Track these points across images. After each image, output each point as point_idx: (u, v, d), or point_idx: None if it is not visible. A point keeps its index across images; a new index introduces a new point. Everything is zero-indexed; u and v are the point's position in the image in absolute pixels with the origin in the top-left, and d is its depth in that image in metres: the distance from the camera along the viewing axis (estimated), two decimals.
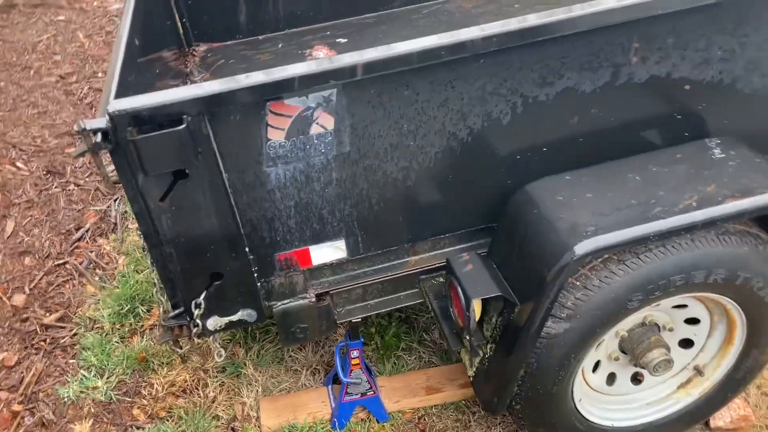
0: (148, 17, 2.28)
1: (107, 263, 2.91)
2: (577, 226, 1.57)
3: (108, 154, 1.47)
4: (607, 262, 1.63)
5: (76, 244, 3.02)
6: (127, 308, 2.61)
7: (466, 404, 2.27)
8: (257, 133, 1.55)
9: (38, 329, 2.63)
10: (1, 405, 2.38)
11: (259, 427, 2.23)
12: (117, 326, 2.57)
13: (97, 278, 2.83)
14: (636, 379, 2.00)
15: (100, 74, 4.61)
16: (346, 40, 3.04)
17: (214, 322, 1.80)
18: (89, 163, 3.58)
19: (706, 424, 2.15)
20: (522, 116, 1.68)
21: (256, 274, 1.77)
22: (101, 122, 1.40)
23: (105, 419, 2.31)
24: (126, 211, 3.20)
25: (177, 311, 1.78)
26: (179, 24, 3.05)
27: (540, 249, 1.63)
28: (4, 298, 2.77)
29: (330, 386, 2.31)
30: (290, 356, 2.46)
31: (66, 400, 2.36)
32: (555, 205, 1.66)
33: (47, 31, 5.16)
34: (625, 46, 1.63)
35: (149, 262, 1.74)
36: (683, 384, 2.02)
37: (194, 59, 3.13)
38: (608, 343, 1.89)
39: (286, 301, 1.87)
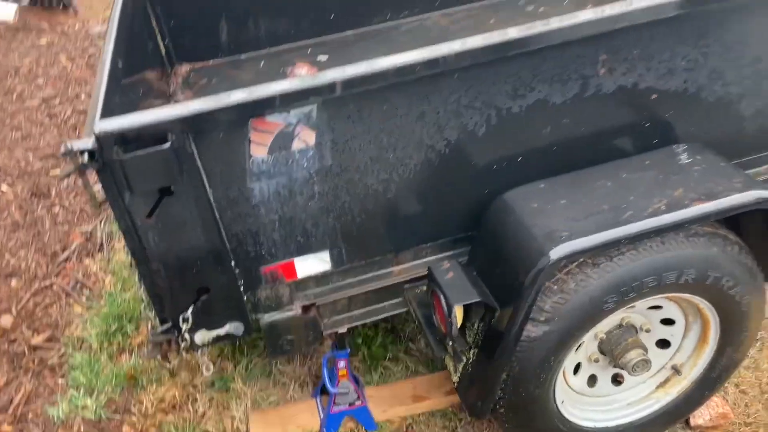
0: (131, 39, 2.32)
1: (94, 283, 2.93)
2: (552, 232, 1.63)
3: (95, 174, 1.52)
4: (583, 266, 1.69)
5: (62, 265, 3.03)
6: (114, 327, 2.63)
7: (452, 411, 2.31)
8: (240, 149, 1.60)
9: (26, 350, 2.64)
10: None
11: None
12: (105, 345, 2.59)
13: (84, 298, 2.85)
14: (616, 380, 2.06)
15: (83, 96, 4.63)
16: (327, 57, 3.10)
17: (202, 336, 1.83)
18: (74, 184, 3.60)
19: (687, 423, 2.21)
20: (496, 128, 1.74)
21: (242, 288, 1.81)
22: (88, 143, 1.44)
23: None
24: (112, 231, 3.22)
25: (165, 326, 1.80)
26: (161, 45, 3.10)
27: (517, 255, 1.68)
28: None
29: (318, 398, 2.34)
30: (278, 369, 2.49)
31: (55, 419, 2.37)
32: (530, 212, 1.72)
33: (29, 55, 5.19)
34: (593, 58, 1.70)
35: (137, 278, 1.77)
36: (662, 384, 2.08)
37: (177, 79, 3.17)
38: (588, 345, 1.94)
39: (272, 314, 1.91)
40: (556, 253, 1.58)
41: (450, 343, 1.80)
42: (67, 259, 3.05)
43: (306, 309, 1.93)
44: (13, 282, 2.97)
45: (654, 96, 1.81)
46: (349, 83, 1.52)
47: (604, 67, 1.72)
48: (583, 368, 1.99)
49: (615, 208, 1.67)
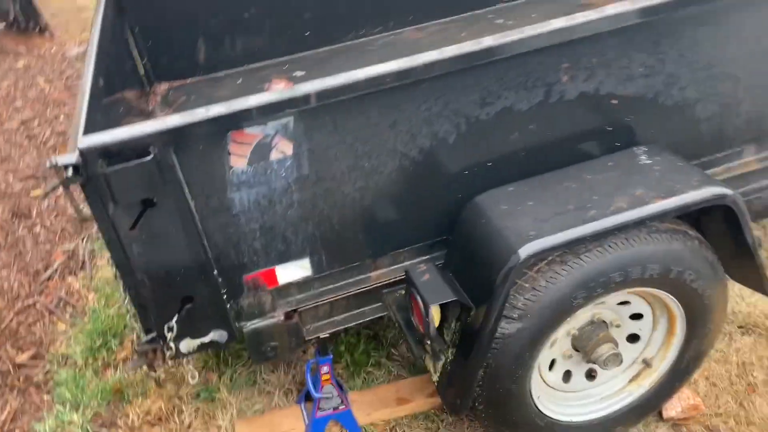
0: (110, 59, 2.37)
1: (77, 300, 2.95)
2: (521, 232, 1.71)
3: (79, 188, 1.57)
4: (552, 263, 1.77)
5: (45, 283, 3.05)
6: (99, 342, 2.66)
7: (435, 413, 2.36)
8: (220, 161, 1.66)
9: (11, 368, 2.65)
10: None
11: None
12: (90, 360, 2.61)
13: (67, 315, 2.87)
14: (590, 375, 2.13)
15: (61, 117, 4.67)
16: (303, 72, 3.18)
17: (187, 345, 1.88)
18: (55, 204, 3.63)
19: (660, 415, 2.29)
20: (466, 135, 1.81)
21: (225, 296, 1.85)
22: (72, 157, 1.49)
23: None
24: (94, 249, 3.25)
25: (150, 336, 1.85)
26: (140, 64, 3.15)
27: (489, 255, 1.76)
28: None
29: (303, 404, 2.38)
30: (263, 378, 2.53)
31: None
32: (500, 214, 1.80)
33: (7, 78, 5.21)
34: (555, 66, 1.79)
35: (121, 289, 1.81)
36: (634, 377, 2.15)
37: (156, 98, 3.23)
38: (561, 341, 2.02)
39: (255, 321, 1.95)
40: (525, 251, 1.66)
41: (428, 343, 1.86)
42: (49, 278, 3.07)
43: (288, 315, 1.98)
44: None
45: (614, 101, 1.90)
46: (323, 95, 1.59)
47: (566, 74, 1.81)
48: (558, 364, 2.06)
49: (580, 207, 1.76)
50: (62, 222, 3.45)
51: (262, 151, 1.67)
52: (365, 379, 2.51)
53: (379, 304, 2.09)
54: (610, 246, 1.75)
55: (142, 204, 1.61)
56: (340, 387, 2.29)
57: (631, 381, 2.15)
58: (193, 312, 1.83)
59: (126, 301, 1.87)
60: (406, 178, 1.84)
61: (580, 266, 1.75)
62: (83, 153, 1.49)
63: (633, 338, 2.10)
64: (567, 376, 2.10)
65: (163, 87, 3.27)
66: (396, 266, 2.03)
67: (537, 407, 2.01)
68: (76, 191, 1.55)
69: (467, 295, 1.84)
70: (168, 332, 1.81)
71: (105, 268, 3.11)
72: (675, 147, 1.99)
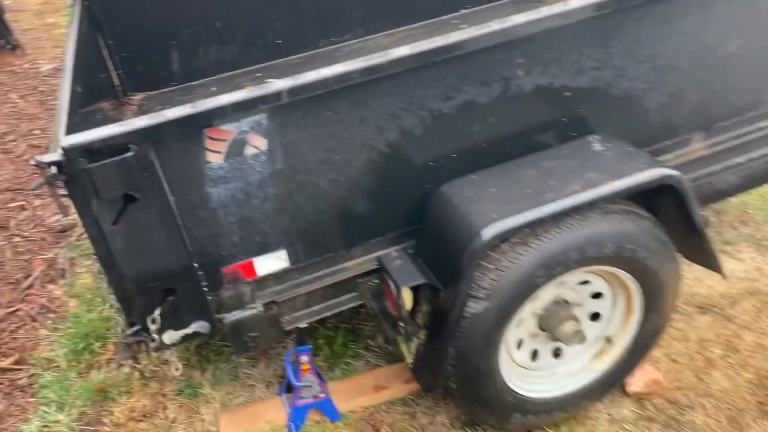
0: (85, 71, 2.43)
1: (59, 307, 3.00)
2: (484, 216, 1.83)
3: (63, 185, 1.64)
4: (514, 245, 1.88)
5: (26, 291, 3.09)
6: (82, 345, 2.71)
7: (412, 398, 2.46)
8: (198, 157, 1.74)
9: None
10: None
11: None
12: (73, 363, 2.66)
13: (49, 321, 2.91)
14: (556, 353, 2.25)
15: (36, 131, 4.70)
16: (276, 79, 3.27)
17: (170, 336, 1.95)
18: (33, 215, 3.67)
19: (624, 390, 2.41)
20: (431, 127, 1.93)
21: (206, 288, 1.93)
22: (56, 156, 1.58)
23: None
24: (74, 257, 3.29)
25: (134, 328, 1.92)
26: (114, 76, 3.23)
27: (455, 239, 1.87)
28: None
29: (284, 395, 2.46)
30: (245, 373, 2.60)
31: None
32: (465, 200, 1.91)
33: None
34: (512, 61, 1.92)
35: (105, 283, 1.88)
36: (598, 354, 2.27)
37: (131, 108, 3.30)
38: (527, 321, 2.13)
39: (236, 312, 2.03)
40: (488, 232, 1.77)
41: (402, 325, 1.97)
42: (30, 286, 3.12)
43: (267, 306, 2.06)
44: None
45: (568, 93, 2.03)
46: (293, 91, 1.70)
47: (522, 69, 1.94)
48: (526, 344, 2.18)
49: (538, 191, 1.88)
50: (41, 232, 3.49)
51: (237, 147, 1.76)
52: (344, 370, 2.59)
53: (355, 293, 2.18)
54: (566, 226, 1.87)
55: (124, 199, 1.69)
56: (319, 376, 2.38)
57: (594, 358, 2.28)
58: (176, 304, 1.90)
59: (110, 295, 1.95)
60: (376, 171, 1.94)
61: (540, 246, 1.87)
62: (66, 151, 1.57)
63: (595, 317, 2.22)
64: (534, 354, 2.21)
65: (138, 97, 3.35)
66: (370, 256, 2.12)
67: (507, 384, 2.12)
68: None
69: (437, 278, 1.95)
70: (151, 324, 1.88)
71: (85, 275, 3.16)
72: (628, 135, 2.12)
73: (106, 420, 2.45)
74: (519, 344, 2.17)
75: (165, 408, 2.47)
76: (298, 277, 2.08)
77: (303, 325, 2.17)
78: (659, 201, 2.07)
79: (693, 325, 2.67)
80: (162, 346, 1.95)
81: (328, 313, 2.18)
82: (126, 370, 2.60)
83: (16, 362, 2.74)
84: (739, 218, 3.24)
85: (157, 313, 1.88)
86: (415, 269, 1.94)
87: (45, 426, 2.43)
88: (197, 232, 1.85)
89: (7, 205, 3.73)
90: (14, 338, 2.85)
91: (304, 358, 2.30)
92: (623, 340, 2.23)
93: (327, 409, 2.37)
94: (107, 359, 2.69)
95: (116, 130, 1.62)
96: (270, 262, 2.00)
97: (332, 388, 2.46)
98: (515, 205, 1.85)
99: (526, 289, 1.91)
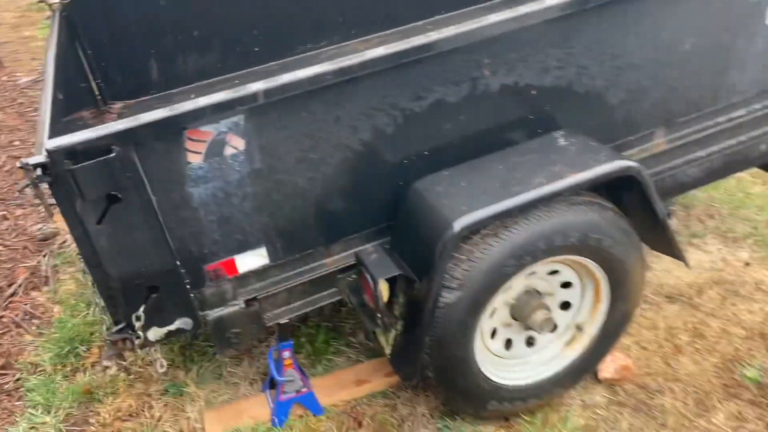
0: (65, 80, 2.48)
1: (43, 313, 3.03)
2: (455, 208, 1.91)
3: (47, 187, 1.70)
4: (485, 236, 1.97)
5: (9, 299, 3.12)
6: (67, 349, 2.75)
7: (392, 391, 2.53)
8: (178, 157, 1.81)
9: None
10: None
11: None
12: (59, 367, 2.70)
13: (34, 327, 2.95)
14: (530, 342, 2.33)
15: (16, 142, 4.72)
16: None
17: (154, 333, 2.00)
18: (14, 225, 3.69)
19: (596, 377, 2.50)
20: (403, 126, 2.00)
21: (189, 286, 1.98)
22: (41, 158, 1.64)
23: None
24: (57, 264, 3.33)
25: (120, 326, 1.98)
26: (94, 85, 3.27)
27: (428, 231, 1.95)
28: None
29: (268, 391, 2.52)
30: (229, 371, 2.66)
31: None
32: (437, 195, 2.00)
33: None
34: (478, 62, 2.01)
35: (90, 283, 1.93)
36: (569, 342, 2.36)
37: (111, 116, 3.34)
38: (500, 311, 2.21)
39: (218, 309, 2.09)
40: (459, 224, 1.86)
41: (380, 317, 2.04)
42: (14, 294, 3.14)
43: (249, 303, 2.12)
44: None
45: (533, 91, 2.12)
46: (269, 93, 1.77)
47: (488, 69, 2.03)
48: (499, 333, 2.26)
49: (506, 185, 1.97)
50: (23, 241, 3.52)
51: (216, 147, 1.83)
52: (326, 366, 2.66)
53: (334, 288, 2.25)
54: (534, 218, 1.97)
55: (108, 200, 1.75)
56: (301, 371, 2.44)
57: (566, 346, 2.36)
58: (159, 301, 1.96)
59: (96, 296, 2.00)
60: (351, 169, 2.02)
61: (509, 237, 1.96)
62: (50, 153, 1.63)
63: (565, 306, 2.32)
64: (508, 343, 2.30)
65: (118, 106, 3.39)
66: (347, 252, 2.19)
67: (482, 372, 2.20)
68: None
69: (412, 270, 2.03)
70: (136, 321, 1.94)
71: (68, 282, 3.20)
72: (593, 131, 2.21)
73: (92, 420, 2.49)
74: (493, 333, 2.25)
75: (150, 407, 2.52)
76: (278, 274, 2.14)
77: (284, 320, 2.24)
78: (623, 193, 2.17)
79: (662, 314, 2.78)
80: (147, 343, 2.01)
81: (308, 309, 2.25)
82: (111, 371, 2.65)
83: (2, 367, 2.76)
84: (706, 212, 3.37)
85: (141, 310, 1.94)
86: (391, 262, 2.02)
87: (32, 428, 2.47)
88: (179, 230, 1.91)
89: None
90: None
91: (286, 354, 2.36)
92: (593, 328, 2.32)
93: (309, 403, 2.44)
94: (92, 362, 2.72)
95: (99, 132, 1.68)
96: (251, 260, 2.07)
97: (314, 383, 2.53)
98: (484, 198, 1.93)
99: (497, 279, 2.00)
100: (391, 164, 2.07)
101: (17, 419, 2.51)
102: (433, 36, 1.87)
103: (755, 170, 2.94)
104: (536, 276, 2.19)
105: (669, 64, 2.28)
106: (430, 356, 2.08)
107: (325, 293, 2.26)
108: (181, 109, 1.72)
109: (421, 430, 2.39)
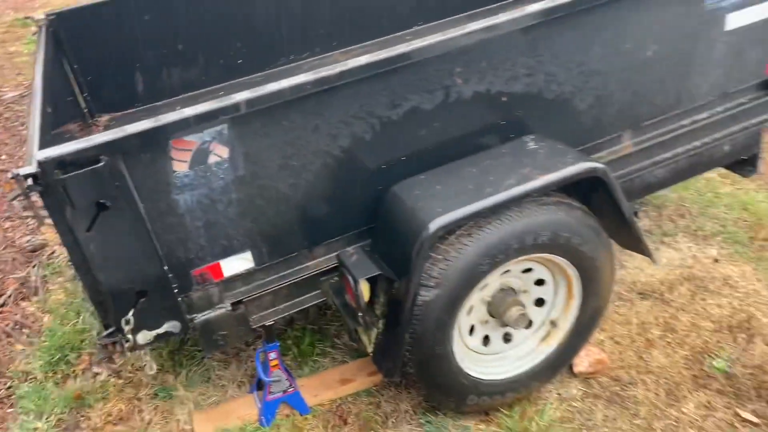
0: (52, 94, 2.55)
1: (33, 322, 3.09)
2: (430, 210, 2.00)
3: (38, 197, 1.78)
4: (460, 236, 2.06)
5: (0, 310, 3.17)
6: (57, 357, 2.80)
7: (376, 389, 2.61)
8: (164, 166, 1.88)
9: None
10: None
11: None
12: (50, 374, 2.75)
13: (24, 336, 3.00)
14: (506, 338, 2.43)
15: (3, 156, 4.76)
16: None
17: (143, 336, 2.07)
18: (3, 236, 3.74)
19: (572, 371, 2.60)
20: (381, 133, 2.10)
21: (176, 290, 2.06)
22: (32, 168, 1.71)
23: None
24: (46, 275, 3.38)
25: (110, 330, 2.05)
26: (81, 98, 3.35)
27: (406, 233, 2.04)
28: None
29: (255, 392, 2.59)
30: (217, 374, 2.73)
31: None
32: (414, 198, 2.09)
33: None
34: (451, 71, 2.11)
35: (80, 288, 2.00)
36: (544, 337, 2.46)
37: (98, 129, 3.41)
38: (477, 309, 2.31)
39: (205, 313, 2.16)
40: (435, 224, 1.95)
41: (361, 316, 2.13)
42: (4, 305, 3.19)
43: (235, 305, 2.20)
44: None
45: (504, 98, 2.23)
46: (251, 102, 1.86)
47: (460, 77, 2.13)
48: (477, 330, 2.35)
49: (479, 187, 2.07)
50: (12, 253, 3.57)
51: (201, 156, 1.91)
52: (312, 367, 2.74)
53: (318, 290, 2.33)
54: (506, 218, 2.06)
55: (97, 208, 1.83)
56: (287, 372, 2.52)
57: (542, 341, 2.46)
58: (148, 306, 2.03)
59: (86, 301, 2.07)
60: (331, 174, 2.11)
61: (483, 237, 2.05)
62: (41, 163, 1.71)
63: (540, 302, 2.41)
64: (486, 340, 2.39)
65: (104, 118, 3.47)
66: (330, 255, 2.27)
67: (461, 368, 2.28)
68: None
69: (392, 270, 2.12)
70: (126, 325, 2.01)
71: (58, 292, 3.25)
72: (563, 135, 2.32)
73: (83, 425, 2.55)
74: (471, 330, 2.34)
75: (141, 411, 2.58)
76: (263, 277, 2.22)
77: (270, 322, 2.32)
78: (591, 193, 2.27)
79: (634, 310, 2.89)
80: (136, 346, 2.08)
81: (293, 311, 2.32)
82: (102, 377, 2.71)
83: None
84: (677, 212, 3.48)
85: (130, 314, 2.01)
86: (371, 263, 2.11)
87: None
88: (166, 236, 1.99)
89: None
90: None
91: (272, 355, 2.43)
92: (566, 323, 2.42)
93: (296, 402, 2.51)
94: (83, 368, 2.78)
95: (88, 143, 1.76)
96: (236, 264, 2.14)
97: (301, 383, 2.60)
98: (458, 199, 2.03)
99: (472, 277, 2.09)
100: (369, 170, 2.16)
101: (10, 426, 2.56)
102: (406, 47, 1.97)
103: (724, 171, 3.06)
104: (511, 274, 2.29)
105: (633, 70, 2.39)
106: (411, 353, 2.17)
107: (309, 295, 2.34)
108: (165, 120, 1.81)
109: (405, 426, 2.47)
